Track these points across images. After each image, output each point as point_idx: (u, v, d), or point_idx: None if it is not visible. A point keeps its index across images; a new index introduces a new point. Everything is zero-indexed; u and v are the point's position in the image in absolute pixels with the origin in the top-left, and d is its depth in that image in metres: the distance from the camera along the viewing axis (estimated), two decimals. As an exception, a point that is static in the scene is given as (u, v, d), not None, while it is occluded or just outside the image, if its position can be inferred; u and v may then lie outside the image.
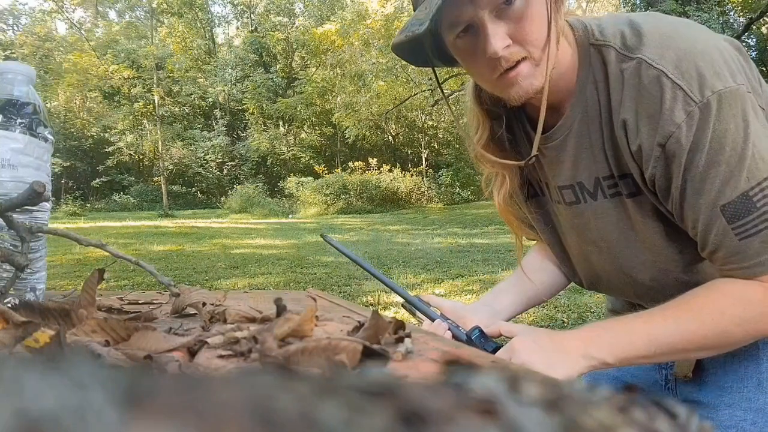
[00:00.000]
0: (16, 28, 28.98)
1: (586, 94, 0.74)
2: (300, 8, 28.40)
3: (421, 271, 5.60)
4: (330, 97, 22.61)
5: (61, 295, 0.68)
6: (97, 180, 23.70)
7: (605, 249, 0.82)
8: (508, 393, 0.12)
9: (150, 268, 0.63)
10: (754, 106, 0.66)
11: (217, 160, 24.67)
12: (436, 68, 0.86)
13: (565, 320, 3.42)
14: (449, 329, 0.80)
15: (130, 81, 24.70)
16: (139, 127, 25.29)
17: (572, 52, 0.74)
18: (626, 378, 0.95)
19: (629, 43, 0.70)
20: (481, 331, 0.78)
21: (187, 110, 26.61)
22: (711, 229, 0.67)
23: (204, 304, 0.57)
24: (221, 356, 0.40)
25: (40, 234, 0.62)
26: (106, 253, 0.63)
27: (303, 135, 25.50)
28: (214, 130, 25.25)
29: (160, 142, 23.52)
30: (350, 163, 21.10)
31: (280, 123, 24.74)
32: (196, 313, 0.59)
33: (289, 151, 24.15)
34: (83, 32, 28.27)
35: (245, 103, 24.72)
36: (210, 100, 26.45)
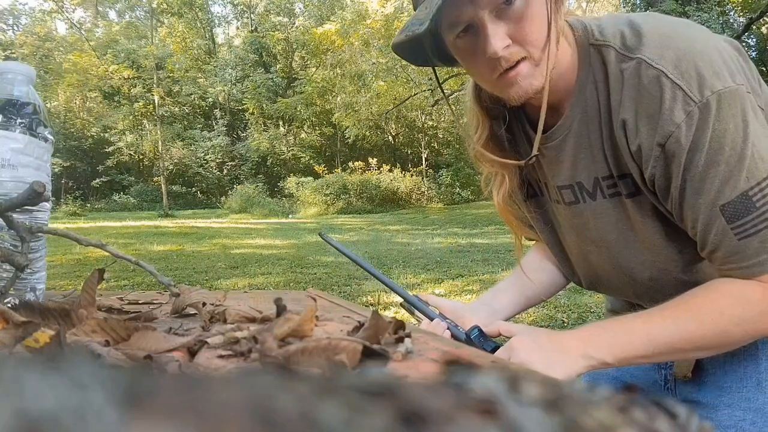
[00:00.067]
0: (16, 28, 29.00)
1: (586, 94, 0.74)
2: (300, 8, 28.42)
3: (421, 271, 5.60)
4: (330, 97, 22.62)
5: (61, 295, 0.68)
6: (97, 180, 23.70)
7: (604, 249, 0.82)
8: (508, 393, 0.12)
9: (150, 268, 0.63)
10: (753, 106, 0.66)
11: (217, 160, 24.68)
12: (436, 68, 0.86)
13: (565, 320, 3.42)
14: (448, 328, 0.80)
15: (130, 81, 24.70)
16: (139, 127, 25.29)
17: (572, 52, 0.74)
18: (625, 378, 0.95)
19: (629, 43, 0.70)
20: (480, 330, 0.78)
21: (187, 110, 26.62)
22: (710, 228, 0.67)
23: (204, 304, 0.57)
24: (221, 356, 0.40)
25: (40, 234, 0.62)
26: (106, 253, 0.63)
27: (303, 135, 25.50)
28: (214, 130, 25.25)
29: (160, 142, 23.52)
30: (350, 163, 21.10)
31: (280, 123, 24.75)
32: (196, 313, 0.59)
33: (289, 151, 24.15)
34: (83, 32, 28.27)
35: (245, 103, 24.73)
36: (210, 100, 26.45)
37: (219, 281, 5.16)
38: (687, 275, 0.77)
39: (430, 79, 16.35)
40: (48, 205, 0.63)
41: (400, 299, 0.88)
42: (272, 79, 25.02)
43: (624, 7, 13.33)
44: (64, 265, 5.87)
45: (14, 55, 24.11)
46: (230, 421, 0.09)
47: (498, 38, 0.67)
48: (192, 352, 0.41)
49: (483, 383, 0.13)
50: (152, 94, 24.14)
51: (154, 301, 0.70)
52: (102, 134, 25.07)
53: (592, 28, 0.74)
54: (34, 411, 0.09)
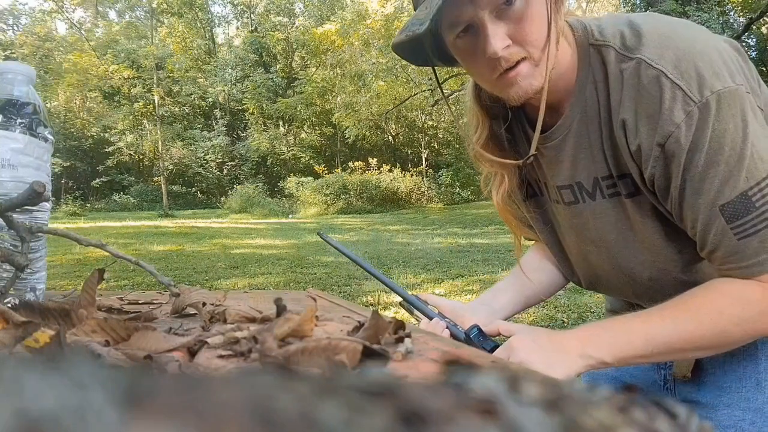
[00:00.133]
0: (16, 28, 29.00)
1: (586, 94, 0.74)
2: (300, 8, 28.41)
3: (421, 271, 5.60)
4: (330, 97, 22.62)
5: (61, 295, 0.68)
6: (97, 180, 23.70)
7: (604, 249, 0.82)
8: (508, 393, 0.12)
9: (150, 268, 0.63)
10: (752, 106, 0.66)
11: (217, 160, 24.68)
12: (436, 68, 0.86)
13: (565, 320, 3.42)
14: (447, 328, 0.80)
15: (130, 81, 24.70)
16: (139, 127, 25.29)
17: (572, 53, 0.74)
18: (625, 378, 0.96)
19: (629, 43, 0.70)
20: (479, 329, 0.78)
21: (187, 110, 26.61)
22: (710, 228, 0.67)
23: (204, 304, 0.57)
24: (221, 356, 0.40)
25: (40, 234, 0.62)
26: (106, 253, 0.63)
27: (303, 135, 25.50)
28: (214, 130, 25.25)
29: (160, 142, 23.52)
30: (350, 163, 21.10)
31: (280, 123, 24.75)
32: (196, 313, 0.59)
33: (289, 151, 24.15)
34: (83, 32, 28.27)
35: (245, 103, 24.73)
36: (210, 100, 26.45)
37: (219, 281, 5.16)
38: (686, 275, 0.77)
39: (430, 79, 16.35)
40: (48, 205, 0.63)
41: (399, 299, 0.88)
42: (272, 79, 25.03)
43: (624, 7, 13.33)
44: (64, 265, 5.87)
45: (14, 55, 24.11)
46: (230, 421, 0.09)
47: (498, 38, 0.67)
48: (192, 352, 0.41)
49: (483, 383, 0.13)
50: (152, 94, 24.14)
51: (154, 301, 0.70)
52: (102, 134, 25.07)
53: (592, 29, 0.74)
54: (34, 411, 0.09)
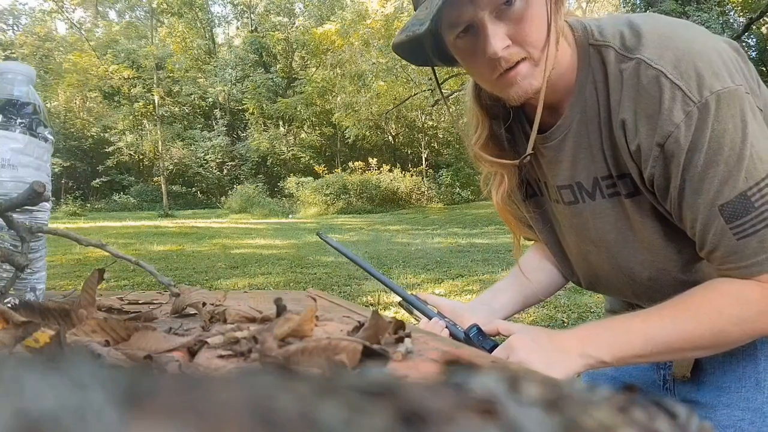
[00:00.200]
0: (16, 28, 29.00)
1: (585, 94, 0.74)
2: (300, 8, 28.41)
3: (421, 271, 5.60)
4: (330, 97, 22.62)
5: (61, 295, 0.68)
6: (97, 180, 23.70)
7: (603, 249, 0.82)
8: (508, 393, 0.13)
9: (150, 268, 0.63)
10: (752, 106, 0.66)
11: (217, 160, 24.68)
12: (436, 68, 0.86)
13: (565, 320, 3.42)
14: (446, 327, 0.80)
15: (130, 81, 24.70)
16: (139, 127, 25.29)
17: (572, 53, 0.74)
18: (624, 378, 0.96)
19: (628, 43, 0.70)
20: (478, 329, 0.78)
21: (187, 110, 26.61)
22: (709, 228, 0.68)
23: (204, 304, 0.57)
24: (221, 356, 0.40)
25: (40, 234, 0.62)
26: (106, 253, 0.63)
27: (303, 135, 25.51)
28: (214, 130, 25.25)
29: (160, 142, 23.52)
30: (350, 163, 21.10)
31: (280, 123, 24.75)
32: (196, 313, 0.59)
33: (289, 151, 24.15)
34: (83, 32, 28.27)
35: (245, 103, 24.73)
36: (210, 100, 26.45)
37: (219, 281, 5.16)
38: (686, 275, 0.77)
39: (430, 79, 16.35)
40: (48, 205, 0.63)
41: (399, 299, 0.88)
42: (272, 79, 25.03)
43: (624, 7, 13.34)
44: (64, 265, 5.87)
45: (14, 55, 24.11)
46: (230, 421, 0.09)
47: (498, 39, 0.67)
48: (192, 352, 0.41)
49: (483, 383, 0.13)
50: (152, 94, 24.14)
51: (154, 301, 0.70)
52: (102, 134, 25.07)
53: (592, 29, 0.74)
54: (34, 411, 0.09)
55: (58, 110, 25.32)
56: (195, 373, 0.18)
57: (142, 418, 0.09)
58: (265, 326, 0.46)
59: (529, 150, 0.77)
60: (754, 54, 15.92)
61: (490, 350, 0.74)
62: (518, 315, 1.02)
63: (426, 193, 19.36)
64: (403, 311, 0.91)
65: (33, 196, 0.56)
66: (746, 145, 0.64)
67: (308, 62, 25.83)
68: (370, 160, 20.78)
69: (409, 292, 0.87)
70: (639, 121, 0.68)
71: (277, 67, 26.23)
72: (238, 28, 31.18)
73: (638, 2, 12.04)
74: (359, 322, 0.50)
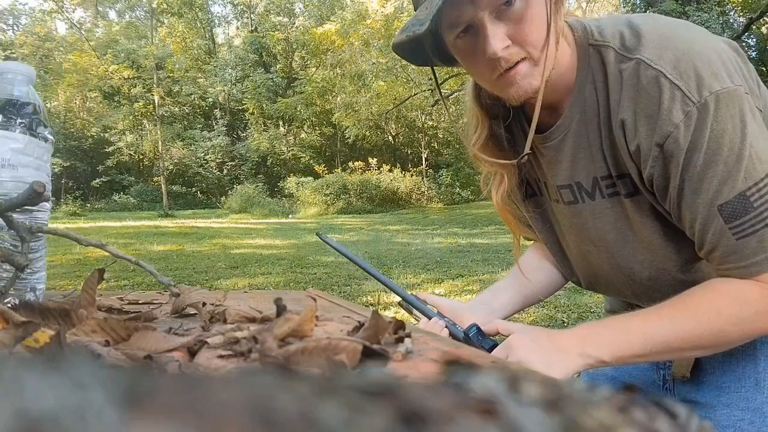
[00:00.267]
0: (16, 28, 29.00)
1: (585, 94, 0.74)
2: (300, 8, 28.41)
3: (421, 271, 5.60)
4: (330, 97, 22.61)
5: (61, 295, 0.68)
6: (97, 180, 23.70)
7: (603, 248, 0.82)
8: (508, 393, 0.13)
9: (150, 268, 0.63)
10: (751, 107, 0.66)
11: (217, 160, 24.68)
12: (436, 68, 0.86)
13: (565, 320, 3.42)
14: (446, 327, 0.80)
15: (130, 81, 24.70)
16: (139, 127, 25.28)
17: (571, 53, 0.74)
18: (624, 378, 0.96)
19: (628, 43, 0.70)
20: (478, 328, 0.78)
21: (187, 110, 26.61)
22: (708, 228, 0.68)
23: (204, 304, 0.57)
24: (221, 356, 0.40)
25: (40, 234, 0.62)
26: (106, 253, 0.63)
27: (303, 135, 25.51)
28: (214, 130, 25.25)
29: (160, 142, 23.52)
30: (350, 163, 21.10)
31: (280, 123, 24.75)
32: (196, 313, 0.59)
33: (289, 151, 24.15)
34: (83, 32, 28.27)
35: (245, 103, 24.73)
36: (210, 100, 26.45)
37: (219, 281, 5.16)
38: (685, 275, 0.77)
39: (430, 79, 16.34)
40: (48, 205, 0.63)
41: (398, 299, 0.88)
42: (272, 79, 25.02)
43: (624, 7, 13.33)
44: (64, 265, 5.87)
45: (14, 55, 24.11)
46: (230, 421, 0.09)
47: (497, 39, 0.67)
48: (192, 352, 0.41)
49: (483, 383, 0.13)
50: (152, 94, 24.14)
51: (154, 301, 0.70)
52: (102, 134, 25.06)
53: (592, 29, 0.74)
54: (34, 411, 0.09)
55: (58, 110, 25.32)
56: (195, 373, 0.18)
57: (142, 418, 0.09)
58: (265, 326, 0.46)
59: (527, 150, 0.77)
60: (754, 54, 15.92)
61: (490, 350, 0.74)
62: (518, 315, 1.02)
63: (426, 193, 19.36)
64: (403, 311, 0.91)
65: (33, 196, 0.56)
66: (745, 145, 0.64)
67: (308, 62, 25.83)
68: (370, 160, 20.78)
69: (409, 292, 0.87)
70: (638, 121, 0.69)
71: (277, 67, 26.23)
72: (238, 28, 31.18)
73: (638, 2, 12.04)
74: (359, 322, 0.50)
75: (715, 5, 12.07)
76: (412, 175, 20.14)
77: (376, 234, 10.19)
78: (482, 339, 0.78)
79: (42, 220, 0.63)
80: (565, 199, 0.83)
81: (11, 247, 0.59)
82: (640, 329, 0.69)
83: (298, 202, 18.69)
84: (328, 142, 25.08)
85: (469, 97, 0.86)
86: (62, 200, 20.53)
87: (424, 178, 20.51)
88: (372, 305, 4.01)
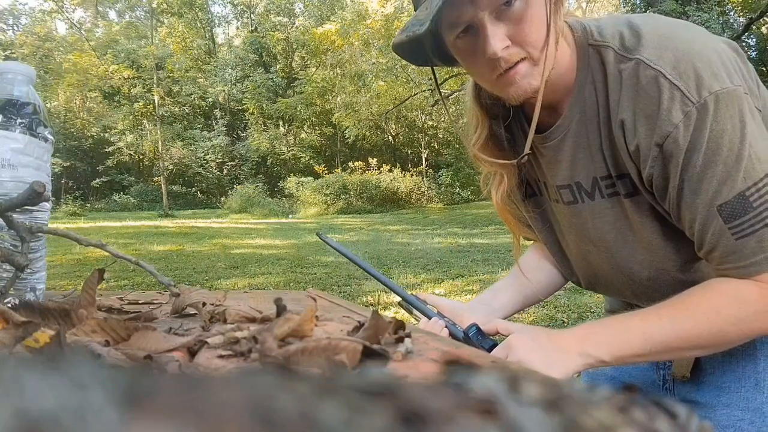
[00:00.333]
0: (16, 28, 29.00)
1: (585, 95, 0.75)
2: (300, 8, 28.41)
3: (421, 271, 5.60)
4: (330, 97, 22.61)
5: (61, 295, 0.68)
6: (97, 180, 23.70)
7: (603, 248, 0.82)
8: (508, 393, 0.13)
9: (150, 268, 0.63)
10: (750, 107, 0.66)
11: (217, 160, 24.67)
12: (436, 68, 0.86)
13: (565, 320, 3.42)
14: (446, 327, 0.80)
15: (130, 81, 24.70)
16: (139, 127, 25.28)
17: (571, 53, 0.74)
18: (624, 378, 0.96)
19: (628, 43, 0.70)
20: (478, 328, 0.79)
21: (187, 110, 26.61)
22: (708, 228, 0.68)
23: (204, 304, 0.57)
24: (221, 356, 0.40)
25: (40, 234, 0.62)
26: (106, 253, 0.63)
27: (303, 135, 25.50)
28: (214, 130, 25.25)
29: (160, 142, 23.52)
30: (350, 163, 21.09)
31: (280, 123, 24.75)
32: (196, 313, 0.59)
33: (289, 151, 24.15)
34: (83, 32, 28.27)
35: (245, 103, 24.72)
36: (210, 100, 26.45)
37: (219, 281, 5.16)
38: (685, 275, 0.77)
39: (430, 79, 16.33)
40: (48, 205, 0.63)
41: (398, 299, 0.88)
42: (272, 79, 25.02)
43: (624, 7, 13.33)
44: (64, 265, 5.87)
45: (14, 55, 24.11)
46: (230, 421, 0.09)
47: (497, 39, 0.67)
48: (192, 352, 0.41)
49: (483, 383, 0.13)
50: (152, 94, 24.14)
51: (154, 301, 0.70)
52: (102, 134, 25.06)
53: (592, 29, 0.74)
54: (34, 411, 0.09)
55: (58, 110, 25.32)
56: (195, 373, 0.18)
57: (142, 418, 0.09)
58: (265, 326, 0.46)
59: (527, 150, 0.77)
60: (754, 54, 15.91)
61: (490, 350, 0.74)
62: (518, 315, 1.02)
63: (426, 193, 19.36)
64: (403, 311, 0.91)
65: (33, 196, 0.56)
66: (745, 145, 0.64)
67: (308, 62, 25.83)
68: (370, 160, 20.78)
69: (408, 292, 0.87)
70: (638, 122, 0.69)
71: (277, 67, 26.22)
72: (238, 28, 31.18)
73: (638, 2, 12.04)
74: (359, 322, 0.50)
75: (715, 5, 12.07)
76: (412, 175, 20.14)
77: (376, 234, 10.19)
78: (482, 339, 0.78)
79: (42, 220, 0.63)
80: (564, 199, 0.83)
81: (11, 247, 0.59)
82: (639, 329, 0.69)
83: (298, 202, 18.69)
84: (328, 142, 25.08)
85: (469, 97, 0.86)
86: (62, 200, 20.53)
87: (424, 178, 20.51)
88: (372, 305, 4.01)
